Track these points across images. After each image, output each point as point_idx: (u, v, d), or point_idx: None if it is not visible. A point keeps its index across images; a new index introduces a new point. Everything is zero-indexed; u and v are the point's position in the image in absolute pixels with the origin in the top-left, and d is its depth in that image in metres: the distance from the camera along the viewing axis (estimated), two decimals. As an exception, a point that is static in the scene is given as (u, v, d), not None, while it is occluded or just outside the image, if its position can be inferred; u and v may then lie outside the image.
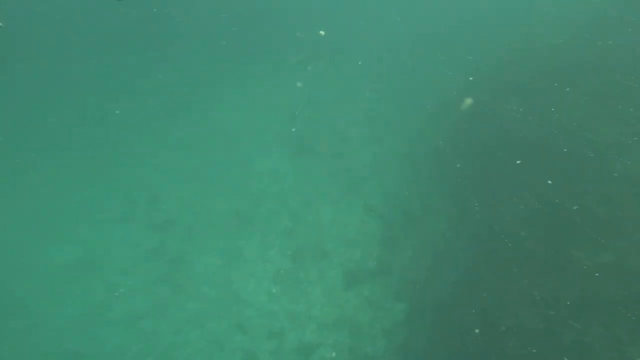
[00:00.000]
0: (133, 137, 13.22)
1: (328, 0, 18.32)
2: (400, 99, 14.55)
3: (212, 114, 14.12)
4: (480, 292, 9.60)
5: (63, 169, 12.24)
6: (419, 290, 10.41)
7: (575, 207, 9.08)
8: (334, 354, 9.75)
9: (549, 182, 9.66)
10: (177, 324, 10.13)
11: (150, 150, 13.03)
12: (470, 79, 13.48)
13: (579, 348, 8.16)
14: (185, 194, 12.11)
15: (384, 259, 11.07)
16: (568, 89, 10.92)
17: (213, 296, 10.56)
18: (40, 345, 9.26)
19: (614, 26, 11.92)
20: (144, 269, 10.72)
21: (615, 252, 8.41)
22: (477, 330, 9.16)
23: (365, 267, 10.98)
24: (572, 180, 9.34)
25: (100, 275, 10.48)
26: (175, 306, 10.36)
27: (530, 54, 12.50)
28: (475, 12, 16.77)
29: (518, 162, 10.38)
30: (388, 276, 10.79)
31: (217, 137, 13.54)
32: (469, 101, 12.84)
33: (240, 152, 13.24)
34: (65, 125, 13.10)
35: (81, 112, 13.44)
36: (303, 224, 11.74)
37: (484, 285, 9.63)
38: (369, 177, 12.65)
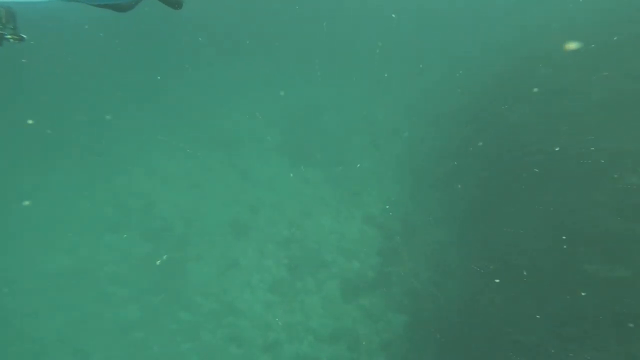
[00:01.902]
0: (128, 143, 13.00)
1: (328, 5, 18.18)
2: (402, 104, 14.32)
3: (211, 120, 13.91)
4: (486, 305, 9.24)
5: (55, 175, 12.01)
6: (420, 303, 10.10)
7: (587, 219, 8.71)
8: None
9: (560, 192, 9.32)
10: (170, 335, 9.84)
11: (145, 157, 12.80)
12: (476, 83, 13.21)
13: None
14: (180, 201, 11.85)
15: (384, 269, 10.78)
16: (580, 94, 10.55)
17: (207, 306, 10.27)
18: (24, 359, 8.97)
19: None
20: (137, 278, 10.44)
21: (631, 266, 8.03)
22: (482, 345, 8.80)
23: (364, 277, 10.69)
24: (584, 191, 8.98)
25: (91, 285, 10.20)
26: (168, 316, 10.07)
27: (539, 59, 12.21)
28: (483, 14, 16.56)
29: (525, 170, 10.05)
30: (388, 287, 10.50)
31: (215, 144, 13.30)
32: (474, 107, 12.60)
33: (238, 159, 13.00)
34: (58, 131, 12.90)
35: (74, 117, 13.24)
36: (301, 233, 11.47)
37: (490, 298, 9.27)
38: (369, 185, 12.39)
